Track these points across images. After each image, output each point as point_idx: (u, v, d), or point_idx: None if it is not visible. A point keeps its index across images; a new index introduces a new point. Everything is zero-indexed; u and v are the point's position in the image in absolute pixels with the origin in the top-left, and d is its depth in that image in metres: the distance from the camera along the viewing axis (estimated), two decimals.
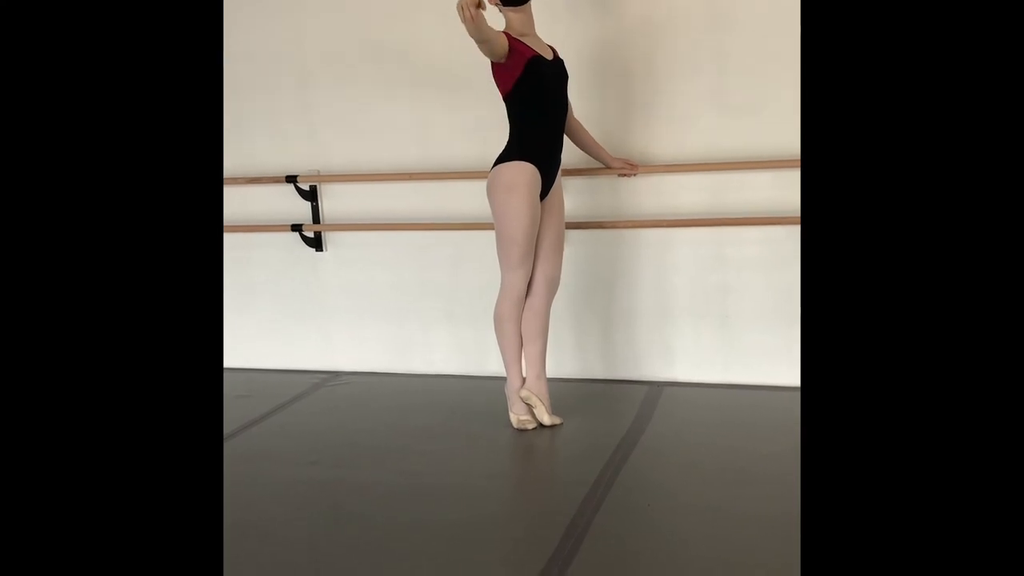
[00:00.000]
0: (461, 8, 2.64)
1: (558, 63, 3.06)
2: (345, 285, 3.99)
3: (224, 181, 3.94)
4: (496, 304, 3.12)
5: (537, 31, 3.04)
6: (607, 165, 3.38)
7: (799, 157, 3.34)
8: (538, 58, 2.95)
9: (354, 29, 3.77)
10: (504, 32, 2.92)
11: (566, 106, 3.12)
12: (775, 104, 3.32)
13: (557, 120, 3.05)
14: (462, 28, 3.68)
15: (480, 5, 2.65)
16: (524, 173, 2.94)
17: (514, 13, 2.96)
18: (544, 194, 3.04)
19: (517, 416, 3.15)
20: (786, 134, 3.30)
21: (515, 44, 2.90)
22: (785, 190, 3.34)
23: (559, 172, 3.12)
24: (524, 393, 3.14)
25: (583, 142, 3.32)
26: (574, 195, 3.56)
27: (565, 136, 3.18)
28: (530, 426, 3.14)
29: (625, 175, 3.45)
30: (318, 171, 3.89)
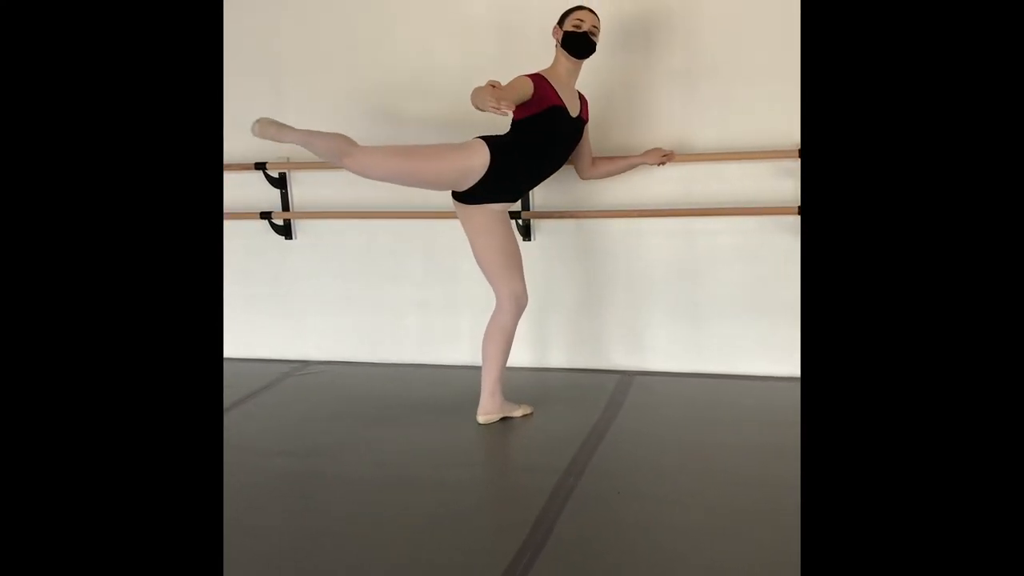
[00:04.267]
0: (484, 102, 2.59)
1: (578, 122, 3.06)
2: (314, 273, 3.96)
3: None
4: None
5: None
6: (645, 163, 3.34)
7: (770, 148, 3.39)
8: (561, 110, 2.95)
9: (327, 17, 3.72)
10: (539, 74, 2.92)
11: (560, 162, 3.11)
12: (745, 95, 3.33)
13: (544, 167, 3.07)
14: (433, 29, 3.64)
15: (500, 105, 2.58)
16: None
17: (567, 61, 2.99)
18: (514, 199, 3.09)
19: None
20: (756, 125, 3.32)
21: (544, 87, 2.90)
22: (755, 180, 3.36)
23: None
24: (484, 419, 3.12)
25: (609, 170, 3.35)
26: (544, 186, 3.55)
27: (595, 178, 3.34)
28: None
29: (663, 164, 3.34)
30: (288, 158, 3.85)
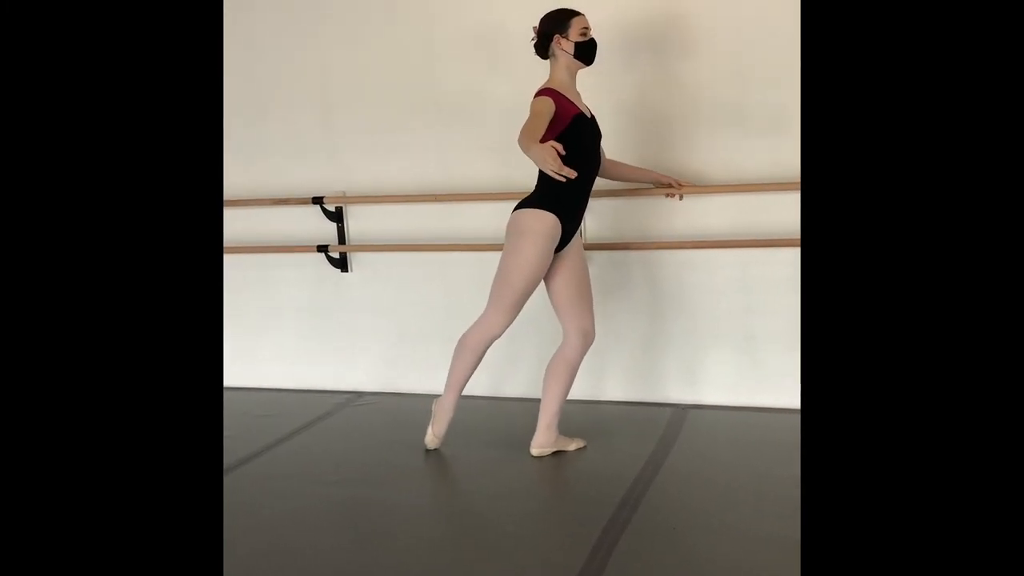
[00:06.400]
0: (546, 166, 2.65)
1: (594, 121, 3.06)
2: (370, 305, 4.01)
3: (251, 202, 3.99)
4: (468, 331, 3.08)
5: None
6: (658, 183, 3.34)
7: None
8: (581, 115, 2.95)
9: (376, 56, 3.80)
10: (550, 89, 2.92)
11: (598, 163, 3.09)
12: (798, 124, 3.30)
13: (587, 176, 3.02)
14: (481, 59, 3.68)
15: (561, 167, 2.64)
16: (544, 222, 2.92)
17: (576, 66, 2.98)
18: (563, 245, 3.01)
19: (435, 433, 3.18)
20: None
21: (560, 101, 2.89)
22: None
23: (581, 225, 3.12)
24: (537, 451, 3.11)
25: (623, 174, 3.32)
26: (598, 217, 3.56)
27: (607, 178, 3.24)
28: (433, 445, 3.18)
29: (671, 195, 3.38)
30: (344, 192, 3.92)
